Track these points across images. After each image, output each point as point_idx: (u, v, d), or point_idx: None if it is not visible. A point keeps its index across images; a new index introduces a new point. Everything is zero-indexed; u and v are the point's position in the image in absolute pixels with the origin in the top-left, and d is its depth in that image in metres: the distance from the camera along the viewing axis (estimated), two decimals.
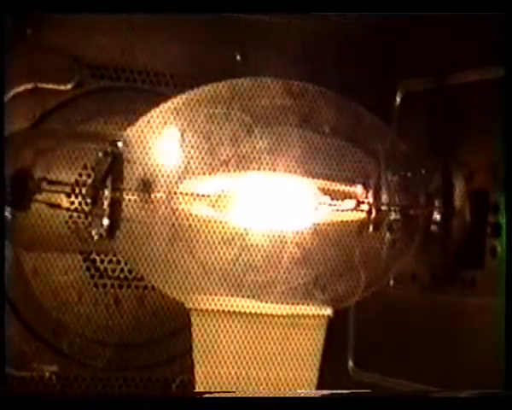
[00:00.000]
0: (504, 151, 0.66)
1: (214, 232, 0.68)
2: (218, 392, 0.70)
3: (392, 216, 0.73)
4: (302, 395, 0.69)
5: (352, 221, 0.71)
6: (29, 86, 0.80)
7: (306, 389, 0.72)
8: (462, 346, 0.75)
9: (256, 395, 0.67)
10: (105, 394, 0.73)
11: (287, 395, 0.67)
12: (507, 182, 0.66)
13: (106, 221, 0.68)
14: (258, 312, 0.70)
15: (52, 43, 0.81)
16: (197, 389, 0.71)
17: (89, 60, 0.82)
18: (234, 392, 0.70)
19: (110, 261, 0.83)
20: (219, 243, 0.68)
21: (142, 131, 0.69)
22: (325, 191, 0.71)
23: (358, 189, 0.71)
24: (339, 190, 0.71)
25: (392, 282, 0.81)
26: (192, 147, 0.68)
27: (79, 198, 0.69)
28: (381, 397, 0.63)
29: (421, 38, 0.81)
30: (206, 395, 0.66)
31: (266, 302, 0.70)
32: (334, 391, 0.67)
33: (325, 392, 0.69)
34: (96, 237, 0.70)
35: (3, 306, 0.69)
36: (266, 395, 0.67)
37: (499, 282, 0.70)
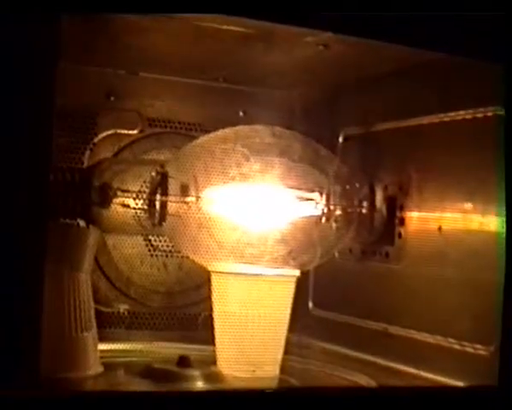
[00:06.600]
0: (504, 150, 0.69)
1: (225, 222, 0.77)
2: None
3: (337, 212, 0.81)
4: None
5: (312, 216, 0.80)
6: (111, 132, 0.95)
7: (284, 319, 0.79)
8: (383, 292, 0.88)
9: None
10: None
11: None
12: (507, 181, 0.69)
13: (157, 215, 0.78)
14: (254, 273, 0.78)
15: (125, 105, 0.96)
16: (215, 321, 0.77)
17: (147, 115, 0.97)
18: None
19: (160, 241, 0.97)
20: (228, 229, 0.77)
21: (180, 159, 0.80)
22: (296, 197, 0.79)
23: (316, 195, 0.80)
24: (304, 196, 0.79)
25: (336, 254, 0.91)
26: (211, 168, 0.77)
27: (141, 201, 0.79)
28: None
29: (355, 98, 0.93)
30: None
31: (259, 267, 0.78)
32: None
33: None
34: (151, 225, 0.80)
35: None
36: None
37: (405, 254, 0.84)
